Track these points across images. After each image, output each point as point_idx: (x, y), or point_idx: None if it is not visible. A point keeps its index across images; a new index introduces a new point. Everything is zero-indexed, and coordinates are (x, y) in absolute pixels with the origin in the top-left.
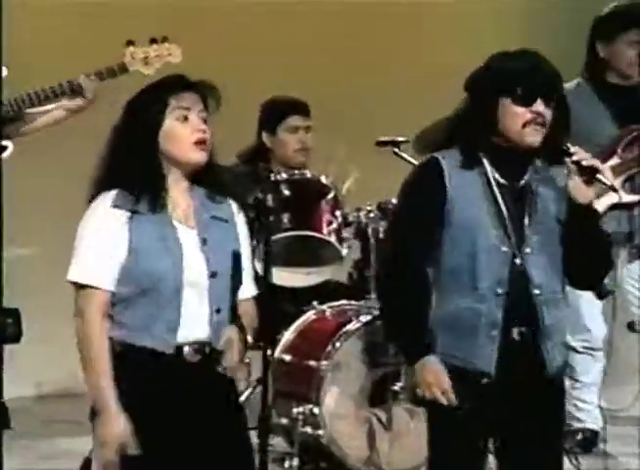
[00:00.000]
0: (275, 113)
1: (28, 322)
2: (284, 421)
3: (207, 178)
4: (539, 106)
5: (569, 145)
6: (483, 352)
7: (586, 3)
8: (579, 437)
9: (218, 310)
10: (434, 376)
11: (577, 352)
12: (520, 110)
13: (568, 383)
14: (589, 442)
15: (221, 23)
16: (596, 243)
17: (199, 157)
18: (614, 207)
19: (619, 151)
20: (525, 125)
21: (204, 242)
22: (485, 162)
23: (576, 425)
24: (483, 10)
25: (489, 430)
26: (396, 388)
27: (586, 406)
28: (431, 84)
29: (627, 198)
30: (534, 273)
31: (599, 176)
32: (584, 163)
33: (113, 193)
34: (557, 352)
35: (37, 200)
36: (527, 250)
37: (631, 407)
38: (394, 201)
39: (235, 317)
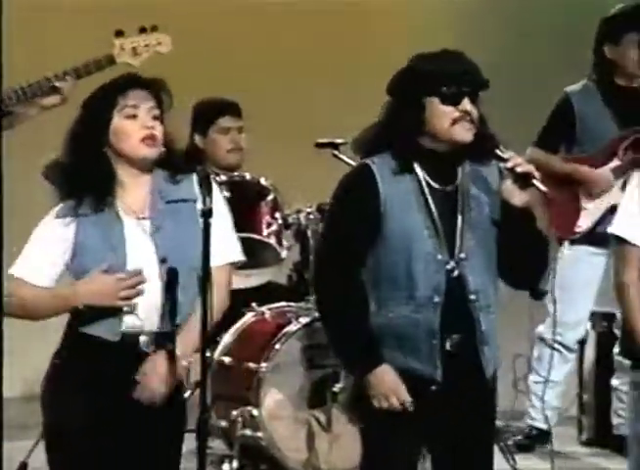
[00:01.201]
0: (206, 114)
1: None
2: (223, 423)
3: (169, 161)
4: (467, 104)
5: (502, 149)
6: (427, 359)
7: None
8: (526, 434)
9: (173, 294)
10: (390, 386)
11: (551, 347)
12: (448, 109)
13: (531, 377)
14: (536, 440)
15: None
16: (533, 244)
17: (147, 152)
18: (613, 208)
19: (620, 153)
20: (453, 123)
21: (156, 230)
22: (417, 166)
23: (527, 421)
24: (427, 10)
25: (428, 434)
26: (336, 389)
27: (540, 405)
28: (373, 85)
29: None
30: (470, 279)
31: (534, 182)
32: (519, 169)
33: (59, 206)
34: (492, 358)
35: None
36: (462, 255)
37: (570, 407)
38: None
39: (206, 287)
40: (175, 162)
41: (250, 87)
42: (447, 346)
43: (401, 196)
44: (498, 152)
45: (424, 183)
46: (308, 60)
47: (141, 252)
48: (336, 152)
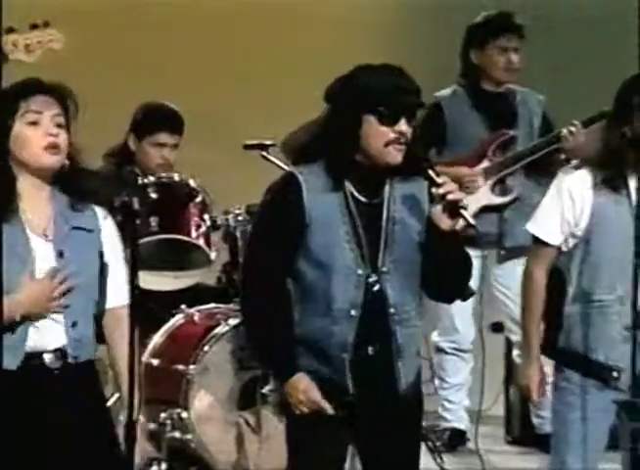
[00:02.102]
0: (147, 123)
1: None
2: (152, 426)
3: (70, 184)
4: (402, 125)
5: (436, 171)
6: (339, 371)
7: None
8: (446, 436)
9: (74, 324)
10: (304, 394)
11: (446, 353)
12: (384, 129)
13: (437, 383)
14: (455, 440)
15: (95, 29)
16: (457, 262)
17: (49, 161)
18: (484, 209)
19: (490, 154)
20: (387, 145)
21: (60, 255)
22: (346, 180)
23: (444, 424)
24: (353, 14)
25: (353, 437)
26: (265, 391)
27: (453, 406)
28: (300, 87)
29: (497, 200)
30: (390, 293)
31: (462, 212)
32: (450, 197)
33: None
34: (409, 370)
35: None
36: (384, 269)
37: (493, 407)
38: None
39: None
40: (76, 184)
41: (178, 88)
42: (368, 352)
43: (326, 208)
44: (432, 174)
45: (350, 197)
46: (237, 61)
47: (45, 269)
48: (264, 153)
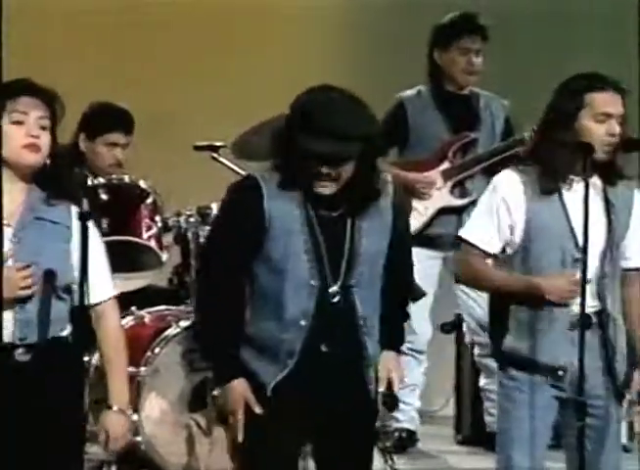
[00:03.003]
0: (98, 123)
1: None
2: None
3: (48, 182)
4: (324, 169)
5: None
6: (276, 378)
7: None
8: (396, 436)
9: (22, 306)
10: (237, 403)
11: (404, 354)
12: (314, 163)
13: None
14: (406, 441)
15: (49, 29)
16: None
17: (28, 159)
18: (443, 210)
19: (450, 156)
20: (313, 178)
21: (17, 241)
22: (305, 190)
23: (395, 425)
24: (308, 16)
25: (307, 435)
26: (216, 393)
27: (405, 407)
28: (250, 88)
29: (456, 202)
30: (358, 306)
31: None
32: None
33: None
34: (373, 378)
35: None
36: (352, 282)
37: (445, 408)
38: (214, 206)
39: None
40: (56, 182)
41: (127, 89)
42: (332, 361)
43: (286, 217)
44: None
45: (311, 208)
46: (188, 62)
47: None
48: (215, 154)
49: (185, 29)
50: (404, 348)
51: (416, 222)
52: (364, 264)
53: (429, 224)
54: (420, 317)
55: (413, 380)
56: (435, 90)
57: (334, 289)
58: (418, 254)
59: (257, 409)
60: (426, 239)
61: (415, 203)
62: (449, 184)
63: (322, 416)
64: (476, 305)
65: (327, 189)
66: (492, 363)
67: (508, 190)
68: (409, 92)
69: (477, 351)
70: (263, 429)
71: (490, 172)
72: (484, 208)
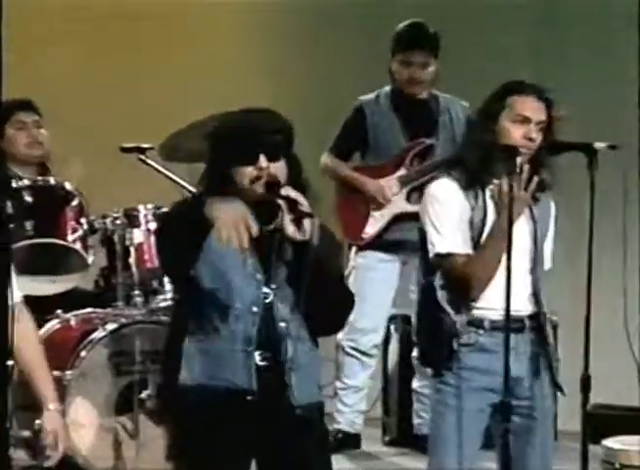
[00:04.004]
0: (1, 113)
1: None
2: (25, 433)
3: None
4: (262, 162)
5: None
6: (243, 368)
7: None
8: (336, 438)
9: None
10: (231, 214)
11: (346, 353)
12: (244, 169)
13: (336, 383)
14: (345, 444)
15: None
16: (325, 284)
17: None
18: (400, 217)
19: (407, 162)
20: (252, 183)
21: None
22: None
23: (334, 426)
24: (241, 10)
25: (252, 445)
26: (143, 396)
27: (345, 409)
28: (179, 89)
29: (412, 208)
30: (280, 308)
31: (300, 208)
32: (291, 195)
33: None
34: (303, 387)
35: None
36: (274, 285)
37: (372, 409)
38: (141, 208)
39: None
40: None
41: (53, 90)
42: (260, 360)
43: None
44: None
45: None
46: (114, 62)
47: None
48: (142, 156)
49: (122, 24)
50: (346, 347)
51: (372, 228)
52: (288, 273)
53: (385, 230)
54: (375, 319)
55: (356, 382)
56: (393, 95)
57: (266, 290)
58: (375, 258)
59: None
60: (384, 244)
61: (373, 210)
62: (405, 190)
63: (263, 423)
64: None
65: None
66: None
67: (449, 193)
68: (368, 96)
69: (415, 353)
70: (221, 432)
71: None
72: (438, 216)
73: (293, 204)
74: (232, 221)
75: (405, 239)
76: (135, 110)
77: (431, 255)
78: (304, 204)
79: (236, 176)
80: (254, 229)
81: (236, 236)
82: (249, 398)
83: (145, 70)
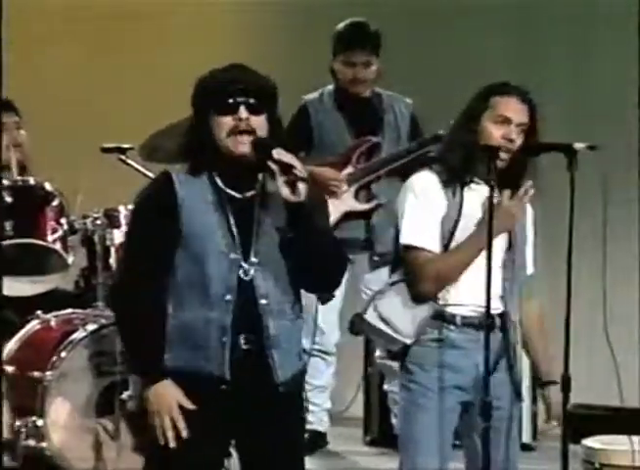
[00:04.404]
0: None
1: None
2: (6, 434)
3: None
4: (242, 113)
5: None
6: (217, 358)
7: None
8: (310, 439)
9: None
10: (164, 405)
11: (310, 354)
12: (223, 119)
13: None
14: (315, 443)
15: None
16: (321, 242)
17: None
18: (349, 215)
19: (354, 160)
20: (229, 134)
21: None
22: (214, 173)
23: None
24: (216, 12)
25: (230, 433)
26: (124, 397)
27: (314, 409)
28: (160, 89)
29: (360, 206)
30: (260, 283)
31: (295, 171)
32: (285, 159)
33: None
34: (286, 362)
35: None
36: (254, 260)
37: (350, 408)
38: (121, 208)
39: None
40: None
41: (33, 89)
42: (241, 344)
43: (197, 197)
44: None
45: (221, 191)
46: (95, 62)
47: None
48: (122, 157)
49: (91, 29)
50: (311, 349)
51: None
52: (269, 244)
53: (334, 228)
54: (328, 319)
55: (322, 381)
56: (337, 94)
57: (245, 266)
58: None
59: (191, 406)
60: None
61: None
62: (353, 189)
63: (243, 405)
64: None
65: (243, 145)
66: (395, 364)
67: (427, 186)
68: (312, 95)
69: (378, 352)
70: (197, 423)
71: (403, 175)
72: (413, 209)
73: (287, 167)
74: (166, 410)
75: (353, 237)
76: (116, 109)
77: (399, 244)
78: (299, 167)
79: (215, 129)
80: (188, 404)
81: (169, 426)
82: (222, 387)
83: (129, 70)
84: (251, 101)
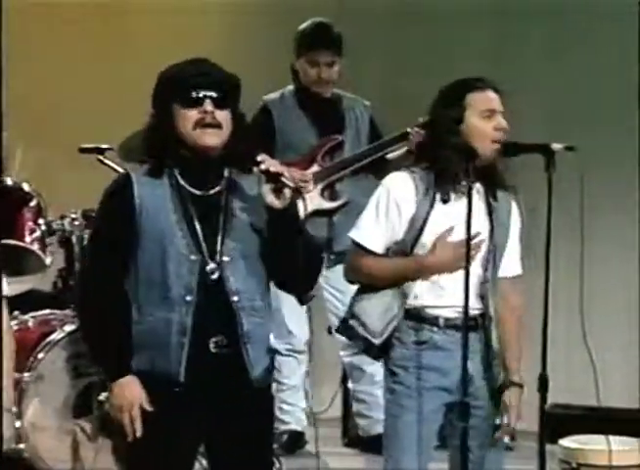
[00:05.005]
0: None
1: None
2: None
3: None
4: (207, 105)
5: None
6: (174, 360)
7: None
8: (284, 438)
9: None
10: (129, 400)
11: (282, 354)
12: (189, 112)
13: (274, 386)
14: (293, 443)
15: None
16: (301, 246)
17: None
18: (314, 213)
19: (319, 159)
20: (195, 127)
21: None
22: (176, 172)
23: (282, 427)
24: (191, 10)
25: (194, 434)
26: (102, 398)
27: (291, 408)
28: (138, 90)
29: (327, 205)
30: (231, 281)
31: (283, 180)
32: (272, 169)
33: None
34: (259, 358)
35: None
36: (225, 258)
37: (330, 408)
38: None
39: None
40: None
41: (11, 90)
42: (211, 347)
43: (157, 199)
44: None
45: (182, 189)
46: (73, 63)
47: None
48: (101, 157)
49: (71, 26)
50: (283, 350)
51: None
52: (238, 242)
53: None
54: (296, 319)
55: (295, 381)
56: (299, 93)
57: (211, 266)
58: None
59: (149, 407)
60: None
61: None
62: (319, 187)
63: (213, 404)
64: (341, 305)
65: (213, 137)
66: (359, 363)
67: (398, 191)
68: (272, 95)
69: (342, 352)
70: (162, 425)
71: (373, 172)
72: (375, 208)
73: (274, 175)
74: (127, 407)
75: (318, 236)
76: (94, 110)
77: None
78: (286, 174)
79: (179, 123)
80: (147, 406)
81: (128, 423)
82: (176, 389)
83: (109, 70)
84: (217, 95)
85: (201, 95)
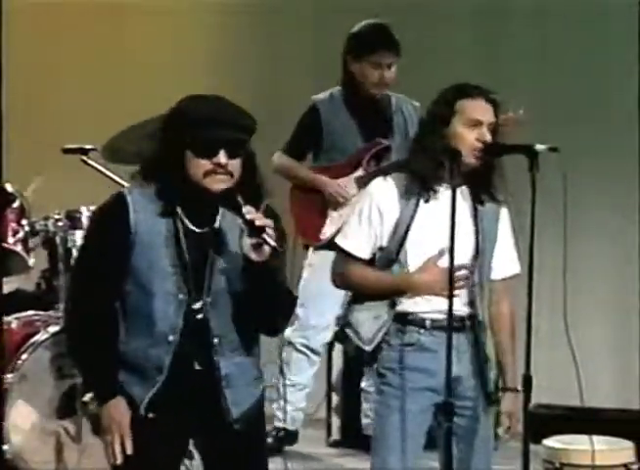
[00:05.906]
0: None
1: None
2: None
3: None
4: (221, 158)
5: (240, 202)
6: (147, 394)
7: None
8: (273, 436)
9: None
10: (115, 422)
11: (296, 349)
12: (201, 161)
13: (283, 382)
14: (284, 441)
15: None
16: (273, 297)
17: None
18: None
19: (364, 163)
20: (205, 175)
21: None
22: (178, 207)
23: (275, 424)
24: (183, 10)
25: (171, 453)
26: (86, 399)
27: (288, 407)
28: (123, 90)
29: None
30: (213, 323)
31: (265, 236)
32: (257, 222)
33: None
34: (241, 398)
35: None
36: (208, 299)
37: (317, 411)
38: (83, 209)
39: None
40: None
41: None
42: (191, 379)
43: (152, 231)
44: (239, 202)
45: (180, 223)
46: (57, 63)
47: None
48: (85, 158)
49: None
50: (297, 343)
51: (330, 229)
52: (222, 282)
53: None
54: (324, 316)
55: (301, 379)
56: (347, 96)
57: (197, 305)
58: (329, 257)
59: (127, 433)
60: None
61: (330, 210)
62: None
63: (196, 434)
64: None
65: (219, 183)
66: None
67: (381, 197)
68: (321, 95)
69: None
70: (138, 448)
71: None
72: (358, 215)
73: (258, 228)
74: (116, 428)
75: None
76: (77, 110)
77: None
78: (269, 230)
79: (188, 165)
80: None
81: (117, 442)
82: (150, 415)
83: (96, 71)
84: (231, 145)
85: (215, 145)
